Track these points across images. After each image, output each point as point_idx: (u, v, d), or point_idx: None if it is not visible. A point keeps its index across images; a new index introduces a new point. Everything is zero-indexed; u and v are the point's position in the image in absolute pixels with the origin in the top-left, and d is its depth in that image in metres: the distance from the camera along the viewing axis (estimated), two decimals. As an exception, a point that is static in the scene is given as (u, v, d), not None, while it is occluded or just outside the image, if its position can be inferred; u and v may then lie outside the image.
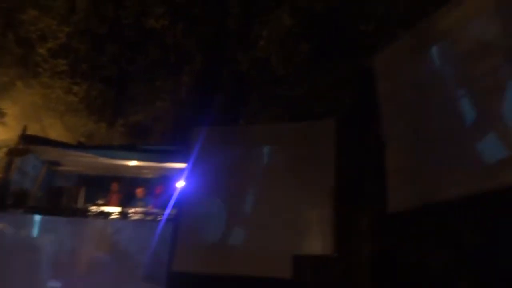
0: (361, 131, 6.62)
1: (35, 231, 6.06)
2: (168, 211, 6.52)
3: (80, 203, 7.18)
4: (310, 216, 5.48)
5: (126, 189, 7.58)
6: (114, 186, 7.54)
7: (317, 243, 5.33)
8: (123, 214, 6.57)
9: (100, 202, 7.01)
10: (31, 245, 5.96)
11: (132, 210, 6.68)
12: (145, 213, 6.64)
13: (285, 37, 9.38)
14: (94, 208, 6.69)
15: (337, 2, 7.56)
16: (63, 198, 6.72)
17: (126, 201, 7.21)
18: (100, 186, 7.59)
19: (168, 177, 7.28)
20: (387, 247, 5.72)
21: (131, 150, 7.42)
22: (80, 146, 7.41)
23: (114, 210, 6.61)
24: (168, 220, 6.28)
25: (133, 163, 7.25)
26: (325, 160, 5.81)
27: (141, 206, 6.92)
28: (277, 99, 9.20)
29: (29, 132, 7.32)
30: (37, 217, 6.20)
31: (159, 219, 6.44)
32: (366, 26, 7.27)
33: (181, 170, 6.82)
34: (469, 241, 5.33)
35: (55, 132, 10.30)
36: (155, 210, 6.71)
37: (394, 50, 6.07)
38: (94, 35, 11.33)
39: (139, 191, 7.30)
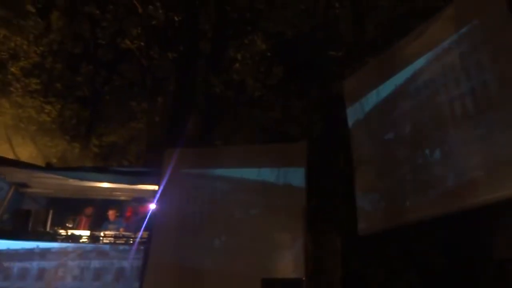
0: (332, 154, 6.79)
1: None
2: (140, 234, 6.43)
3: (48, 226, 7.00)
4: (281, 239, 5.51)
5: (97, 211, 7.42)
6: (88, 210, 7.34)
7: (289, 265, 5.35)
8: (93, 238, 6.43)
9: (69, 225, 6.82)
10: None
11: (103, 233, 6.54)
12: (116, 237, 6.51)
13: (259, 60, 9.62)
14: (63, 232, 6.52)
15: (307, 28, 7.83)
16: (30, 221, 6.51)
17: (97, 224, 7.05)
18: (70, 208, 7.40)
19: (140, 199, 7.19)
20: (357, 269, 5.82)
21: (103, 172, 7.30)
22: (49, 168, 7.24)
23: (84, 234, 6.46)
24: (139, 243, 6.18)
25: (104, 185, 7.12)
26: (296, 182, 5.89)
27: (113, 229, 6.77)
28: (251, 121, 9.35)
29: (-2, 152, 7.14)
30: (3, 241, 6.02)
31: (130, 242, 6.34)
32: (336, 52, 7.56)
33: (154, 192, 6.75)
34: (435, 262, 5.49)
35: (26, 152, 10.08)
36: (126, 233, 6.58)
37: (362, 76, 6.30)
38: (69, 55, 11.30)
39: (111, 214, 7.15)
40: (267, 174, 6.09)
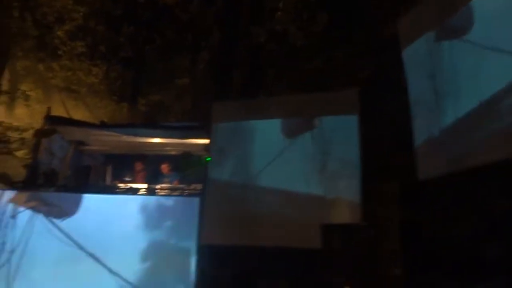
0: (384, 99, 6.49)
1: (67, 209, 6.22)
2: (194, 186, 6.61)
3: (108, 181, 7.34)
4: (337, 186, 5.46)
5: (152, 166, 7.68)
6: (138, 165, 7.63)
7: (345, 212, 5.32)
8: (150, 190, 6.68)
9: (127, 179, 7.13)
10: (64, 222, 6.13)
11: (159, 186, 6.78)
12: (171, 189, 6.73)
13: (301, 8, 9.19)
14: (122, 185, 6.83)
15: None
16: (91, 176, 6.85)
17: (152, 178, 7.32)
18: (126, 164, 7.71)
19: (191, 153, 7.32)
20: (415, 215, 5.68)
21: (153, 128, 7.48)
22: (103, 125, 7.49)
23: (142, 187, 6.73)
24: (194, 194, 6.35)
25: (156, 140, 7.31)
26: (349, 130, 5.73)
27: (167, 182, 7.02)
28: (295, 71, 9.10)
29: (53, 114, 7.44)
30: (68, 195, 6.37)
31: (185, 194, 6.53)
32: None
33: (204, 146, 6.85)
34: (498, 208, 5.24)
35: (78, 113, 10.51)
36: (181, 186, 6.79)
37: (418, 14, 5.85)
38: (110, 16, 11.36)
39: (164, 167, 7.40)
40: (319, 124, 5.96)
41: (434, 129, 5.15)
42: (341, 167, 5.51)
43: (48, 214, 6.05)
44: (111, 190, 6.71)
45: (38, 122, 7.94)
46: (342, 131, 5.85)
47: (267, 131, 6.23)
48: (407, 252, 5.48)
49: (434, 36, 5.25)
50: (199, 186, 6.47)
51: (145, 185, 6.74)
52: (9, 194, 6.29)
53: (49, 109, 7.18)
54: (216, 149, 6.35)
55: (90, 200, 6.32)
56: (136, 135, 7.16)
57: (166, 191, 6.67)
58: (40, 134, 6.84)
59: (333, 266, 5.29)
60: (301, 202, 5.45)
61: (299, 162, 5.66)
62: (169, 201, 6.35)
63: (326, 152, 5.61)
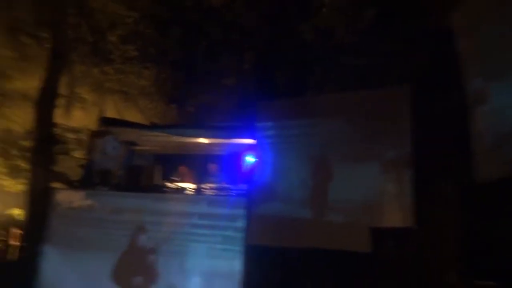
0: (439, 95, 6.15)
1: (120, 207, 6.48)
2: (240, 186, 6.63)
3: (157, 180, 7.55)
4: (387, 187, 5.24)
5: (199, 166, 7.82)
6: (182, 169, 7.77)
7: (396, 215, 5.10)
8: (197, 190, 6.80)
9: (175, 178, 7.30)
10: (118, 219, 6.40)
11: (206, 186, 6.88)
12: (218, 189, 6.80)
13: (348, 3, 8.92)
14: (170, 185, 7.00)
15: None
16: (142, 176, 7.08)
17: (199, 178, 7.44)
18: (174, 164, 7.90)
19: (239, 153, 7.36)
20: (473, 219, 5.33)
21: (201, 128, 7.61)
22: (153, 126, 7.73)
23: (189, 186, 6.86)
24: (241, 195, 6.37)
25: (203, 140, 7.43)
26: (401, 128, 5.48)
27: (214, 182, 7.10)
28: (343, 68, 8.85)
29: (107, 115, 7.77)
30: (122, 194, 6.63)
31: (232, 194, 6.57)
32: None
33: (251, 146, 6.85)
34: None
35: (130, 115, 10.91)
36: (228, 185, 6.85)
37: (476, 4, 5.47)
38: (159, 20, 11.67)
39: (212, 168, 7.51)
40: (369, 122, 5.76)
41: (492, 129, 4.80)
42: (391, 167, 5.28)
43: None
44: (160, 189, 6.90)
45: (93, 124, 8.32)
46: (394, 130, 5.61)
47: (314, 131, 6.13)
48: (465, 258, 5.16)
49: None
50: (245, 186, 6.49)
51: (192, 185, 6.87)
52: (67, 192, 6.68)
53: (103, 111, 7.52)
54: (263, 149, 6.34)
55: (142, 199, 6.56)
56: (184, 135, 7.32)
57: (213, 191, 6.75)
58: (94, 135, 7.18)
59: (384, 271, 5.09)
60: (350, 204, 5.30)
61: (348, 164, 5.50)
62: (216, 201, 6.40)
63: (377, 153, 5.41)
